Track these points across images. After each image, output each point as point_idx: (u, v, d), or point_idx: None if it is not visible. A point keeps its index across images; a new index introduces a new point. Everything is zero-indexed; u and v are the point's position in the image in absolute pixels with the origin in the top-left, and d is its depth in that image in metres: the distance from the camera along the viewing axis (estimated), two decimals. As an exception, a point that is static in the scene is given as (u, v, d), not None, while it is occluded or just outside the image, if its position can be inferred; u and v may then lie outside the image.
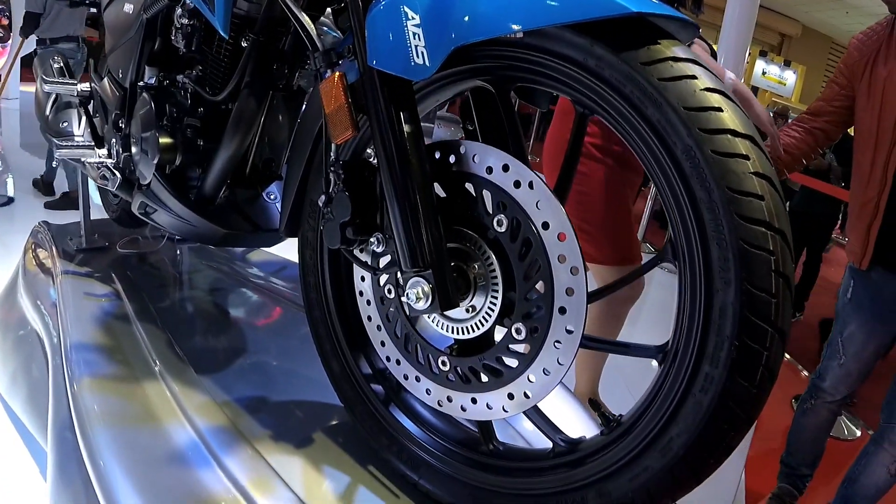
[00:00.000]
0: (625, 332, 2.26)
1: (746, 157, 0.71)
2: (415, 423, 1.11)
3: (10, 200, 4.36)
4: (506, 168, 0.87)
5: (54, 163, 4.49)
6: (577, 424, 1.32)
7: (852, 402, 3.41)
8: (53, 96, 2.10)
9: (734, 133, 0.71)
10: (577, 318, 0.83)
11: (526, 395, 0.91)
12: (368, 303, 1.10)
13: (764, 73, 15.83)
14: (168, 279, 2.02)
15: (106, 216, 2.30)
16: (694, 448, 0.77)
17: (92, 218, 2.16)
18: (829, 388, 2.19)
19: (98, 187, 2.13)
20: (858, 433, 3.15)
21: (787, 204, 4.39)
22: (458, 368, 0.98)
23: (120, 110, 1.60)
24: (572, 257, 0.83)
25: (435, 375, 1.01)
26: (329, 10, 1.00)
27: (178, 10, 1.34)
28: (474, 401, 0.97)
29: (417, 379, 1.04)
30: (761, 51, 15.69)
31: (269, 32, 1.26)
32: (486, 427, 1.03)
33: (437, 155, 0.95)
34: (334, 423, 1.25)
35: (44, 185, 4.66)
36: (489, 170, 0.89)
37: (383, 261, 1.01)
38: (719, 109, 0.72)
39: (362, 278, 1.11)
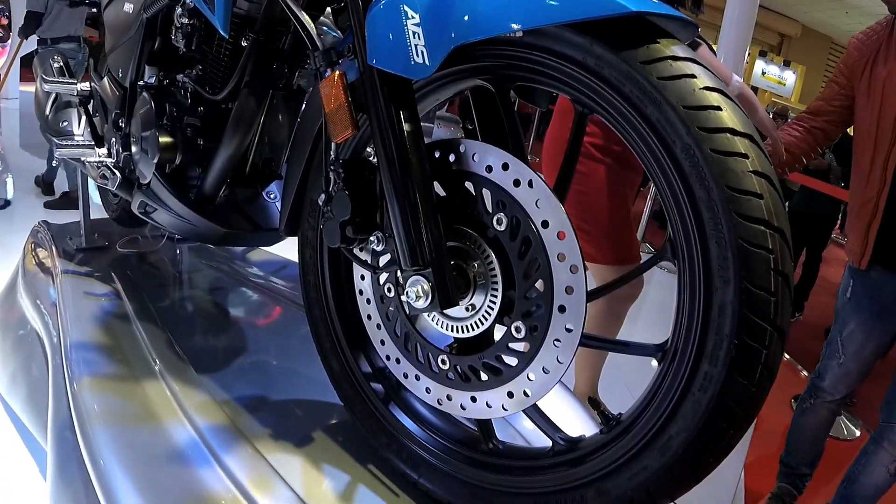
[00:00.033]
0: (624, 331, 2.26)
1: (745, 156, 0.71)
2: (414, 422, 1.11)
3: (7, 203, 4.36)
4: (505, 167, 0.88)
5: (54, 162, 4.49)
6: (577, 423, 1.32)
7: (851, 402, 3.41)
8: (53, 96, 2.10)
9: (733, 132, 0.72)
10: (577, 316, 0.83)
11: (525, 394, 0.91)
12: (368, 301, 1.10)
13: (763, 74, 15.84)
14: (168, 279, 2.02)
15: (106, 216, 2.31)
16: (693, 447, 0.77)
17: (92, 217, 2.17)
18: (829, 388, 2.19)
19: (98, 187, 2.13)
20: (858, 433, 3.16)
21: (787, 204, 4.39)
22: (458, 367, 0.98)
23: (120, 110, 1.60)
24: (572, 256, 0.83)
25: (435, 374, 1.02)
26: (329, 9, 1.00)
27: (178, 10, 1.35)
28: (474, 399, 0.97)
29: (417, 377, 1.05)
30: (761, 51, 15.70)
31: (269, 32, 1.26)
32: (485, 426, 1.03)
33: (437, 154, 0.95)
34: (334, 421, 1.25)
35: (44, 184, 4.66)
36: (489, 168, 0.89)
37: (383, 259, 1.01)
38: (718, 108, 0.72)
39: (362, 277, 1.11)
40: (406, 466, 1.09)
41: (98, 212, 2.26)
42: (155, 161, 1.39)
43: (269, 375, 1.43)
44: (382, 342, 1.09)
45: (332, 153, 0.97)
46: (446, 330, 0.98)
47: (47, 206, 4.39)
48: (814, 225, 4.68)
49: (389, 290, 1.05)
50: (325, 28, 0.99)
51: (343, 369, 1.18)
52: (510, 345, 0.91)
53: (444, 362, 1.00)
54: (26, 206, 4.44)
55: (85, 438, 1.18)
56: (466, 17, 0.79)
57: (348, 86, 0.92)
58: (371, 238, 0.97)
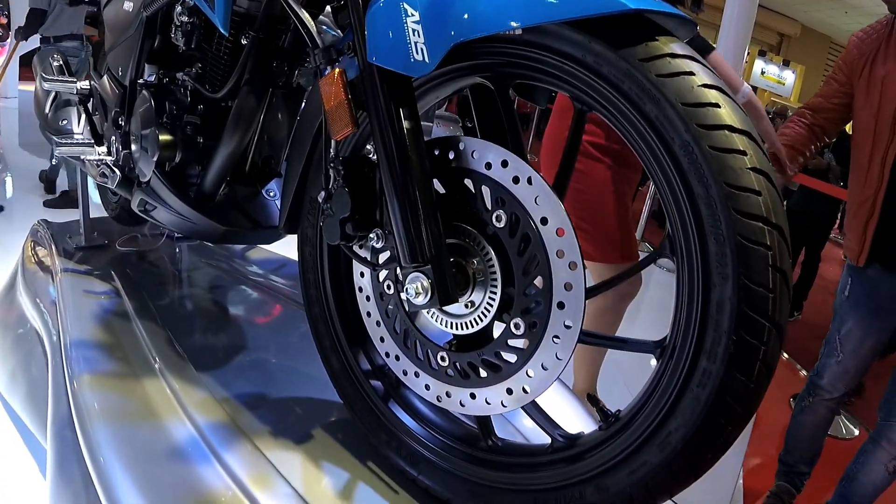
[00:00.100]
0: (623, 330, 2.26)
1: (744, 153, 0.71)
2: (414, 419, 1.11)
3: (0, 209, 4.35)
4: (504, 164, 0.88)
5: (54, 160, 4.49)
6: (576, 420, 1.33)
7: (850, 401, 3.42)
8: (53, 94, 2.10)
9: (731, 129, 0.72)
10: (576, 313, 0.83)
11: (524, 390, 0.91)
12: (368, 299, 1.10)
13: (763, 73, 15.86)
14: (167, 277, 2.03)
15: (105, 214, 2.31)
16: (692, 443, 0.77)
17: (91, 216, 2.17)
18: (827, 386, 2.20)
19: (97, 185, 2.13)
20: (857, 432, 3.16)
21: (786, 203, 4.39)
22: (457, 364, 0.98)
23: (120, 108, 1.60)
24: (571, 252, 0.83)
25: (434, 371, 1.02)
26: (329, 7, 1.01)
27: (178, 8, 1.35)
28: (473, 396, 0.97)
29: (416, 374, 1.05)
30: (760, 50, 15.72)
31: (268, 30, 1.26)
32: (484, 423, 1.03)
33: (437, 151, 0.95)
34: (333, 419, 1.25)
35: (47, 181, 4.65)
36: (488, 165, 0.89)
37: (383, 256, 1.02)
38: (717, 105, 0.72)
39: (361, 274, 1.11)
40: (405, 463, 1.09)
41: (98, 210, 2.26)
42: (155, 159, 1.39)
43: (269, 373, 1.43)
44: (382, 339, 1.10)
45: (331, 150, 0.97)
46: (445, 327, 0.99)
47: (47, 204, 4.39)
48: (813, 224, 4.69)
49: (389, 287, 1.05)
50: (324, 26, 1.00)
51: (342, 367, 1.19)
52: (509, 341, 0.92)
53: (443, 359, 1.00)
54: (26, 205, 4.44)
55: (85, 436, 1.18)
56: (466, 15, 0.80)
57: (348, 83, 0.92)
58: (371, 235, 0.97)
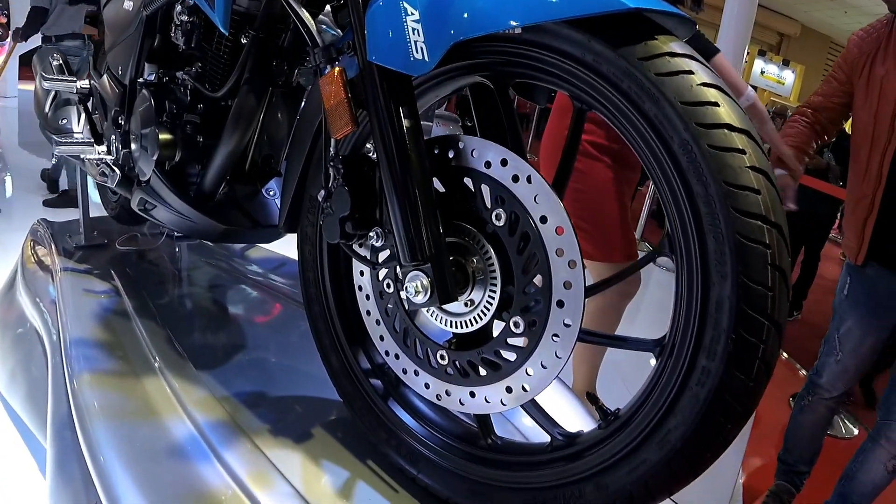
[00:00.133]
0: (623, 330, 2.26)
1: (743, 152, 0.71)
2: (413, 418, 1.11)
3: None
4: (504, 162, 0.88)
5: (54, 160, 4.49)
6: (575, 419, 1.33)
7: (849, 401, 3.42)
8: (53, 93, 2.10)
9: (731, 127, 0.72)
10: (575, 311, 0.84)
11: (524, 389, 0.91)
12: (367, 297, 1.11)
13: (763, 73, 15.87)
14: (167, 276, 2.03)
15: (105, 214, 2.31)
16: (691, 441, 0.77)
17: (91, 215, 2.17)
18: (827, 385, 2.20)
19: (97, 185, 2.13)
20: (856, 431, 3.16)
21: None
22: (457, 362, 0.98)
23: (119, 107, 1.61)
24: (570, 251, 0.83)
25: (433, 369, 1.02)
26: (328, 6, 1.01)
27: (178, 7, 1.35)
28: (473, 394, 0.97)
29: (416, 373, 1.05)
30: (760, 50, 15.73)
31: (268, 29, 1.26)
32: (484, 421, 1.03)
33: (436, 150, 0.95)
34: (333, 417, 1.25)
35: (50, 180, 4.65)
36: (487, 164, 0.90)
37: (382, 255, 1.02)
38: (716, 104, 0.72)
39: (361, 273, 1.11)
40: (405, 462, 1.09)
41: (97, 210, 2.27)
42: (154, 158, 1.39)
43: (269, 372, 1.43)
44: (381, 338, 1.10)
45: (331, 149, 0.98)
46: (445, 325, 0.99)
47: (46, 203, 4.39)
48: (812, 224, 4.69)
49: (389, 285, 1.06)
50: (324, 25, 1.00)
51: (342, 365, 1.19)
52: (509, 340, 0.92)
53: (442, 358, 1.00)
54: (25, 204, 4.44)
55: (85, 435, 1.18)
56: (465, 14, 0.80)
57: (348, 82, 0.92)
58: (370, 234, 0.97)
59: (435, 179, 0.94)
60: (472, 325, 0.95)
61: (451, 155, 0.94)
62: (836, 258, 5.95)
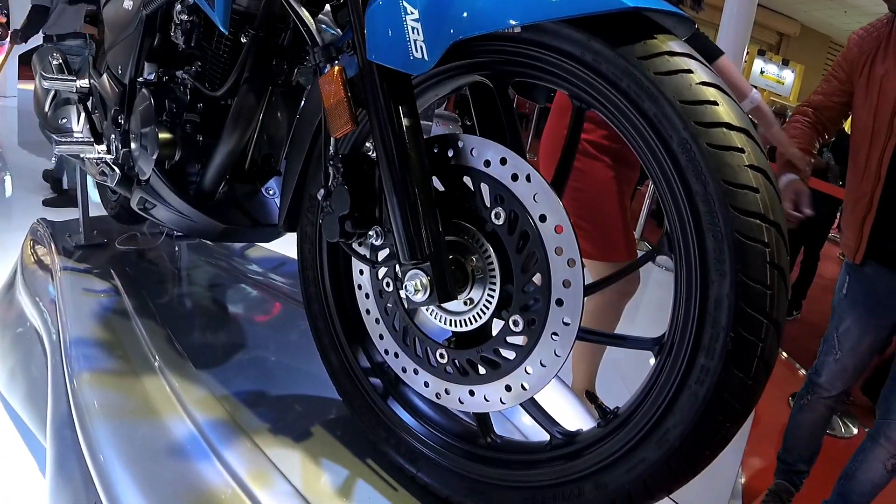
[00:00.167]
0: (622, 329, 2.27)
1: (741, 150, 0.72)
2: (413, 417, 1.11)
3: None
4: (503, 161, 0.88)
5: (53, 159, 4.48)
6: (574, 417, 1.33)
7: (848, 401, 3.42)
8: (52, 93, 2.10)
9: (729, 126, 0.72)
10: (574, 309, 0.84)
11: (523, 387, 0.92)
12: (367, 296, 1.11)
13: (762, 73, 15.87)
14: (167, 275, 2.03)
15: (104, 213, 2.31)
16: (690, 439, 0.77)
17: (91, 215, 2.17)
18: (825, 384, 2.20)
19: (97, 184, 2.13)
20: (855, 431, 3.17)
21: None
22: (456, 361, 0.98)
23: (119, 106, 1.61)
24: (569, 249, 0.83)
25: (433, 368, 1.02)
26: (328, 6, 1.01)
27: (178, 7, 1.35)
28: (472, 393, 0.97)
29: (416, 372, 1.05)
30: (760, 50, 15.73)
31: (268, 28, 1.26)
32: (483, 420, 1.03)
33: (436, 149, 0.95)
34: (333, 416, 1.26)
35: (53, 180, 4.64)
36: (487, 163, 0.90)
37: (382, 254, 1.02)
38: (715, 103, 0.73)
39: (361, 272, 1.11)
40: (404, 461, 1.09)
41: (97, 209, 2.27)
42: (154, 157, 1.39)
43: (268, 371, 1.43)
44: (381, 337, 1.10)
45: (331, 148, 0.98)
46: (444, 324, 0.99)
47: (46, 203, 4.39)
48: (812, 223, 4.67)
49: (388, 284, 1.06)
50: (324, 25, 1.00)
51: (342, 364, 1.19)
52: (508, 338, 0.92)
53: (442, 356, 1.00)
54: (25, 203, 4.44)
55: (85, 434, 1.18)
56: (465, 13, 0.80)
57: (348, 81, 0.92)
58: (370, 232, 0.97)
59: (434, 178, 0.95)
60: (471, 323, 0.95)
61: (450, 154, 0.94)
62: (836, 258, 5.96)
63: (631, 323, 2.66)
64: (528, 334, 0.89)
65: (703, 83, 0.73)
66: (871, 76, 1.95)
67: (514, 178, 0.87)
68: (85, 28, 4.49)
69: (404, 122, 0.90)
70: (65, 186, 4.57)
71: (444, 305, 0.97)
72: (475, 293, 0.94)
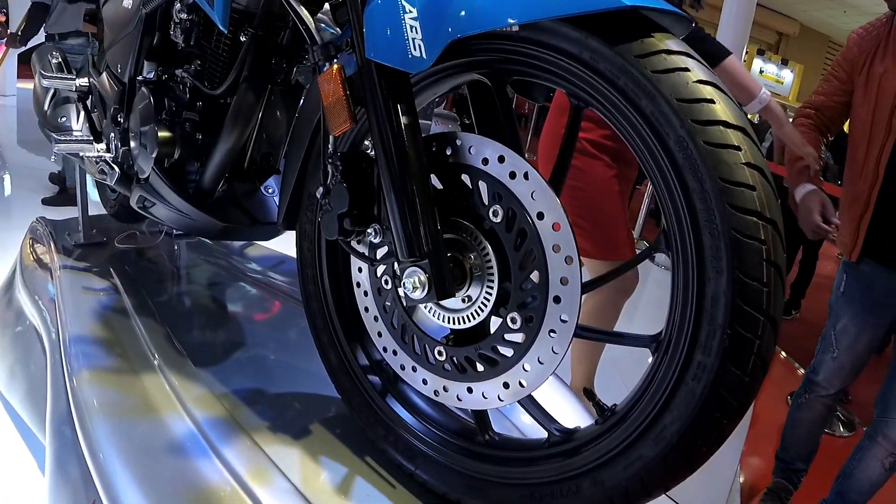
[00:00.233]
0: (621, 328, 2.27)
1: (738, 148, 0.72)
2: (411, 414, 1.12)
3: None
4: (501, 159, 0.88)
5: (53, 157, 4.46)
6: (572, 415, 1.34)
7: (847, 400, 3.43)
8: (52, 91, 2.10)
9: (726, 124, 0.72)
10: (572, 307, 0.84)
11: (521, 384, 0.92)
12: (365, 294, 1.11)
13: (761, 72, 15.86)
14: (166, 274, 2.03)
15: (104, 212, 2.31)
16: (687, 436, 0.77)
17: (90, 213, 2.17)
18: (823, 382, 2.20)
19: (96, 183, 2.13)
20: (854, 429, 3.17)
21: (783, 202, 4.38)
22: (454, 358, 0.99)
23: (119, 105, 1.61)
24: (567, 247, 0.84)
25: (431, 365, 1.02)
26: (327, 4, 1.01)
27: (177, 5, 1.35)
28: (470, 390, 0.98)
29: (414, 369, 1.05)
30: (759, 49, 15.73)
31: (267, 27, 1.27)
32: (482, 417, 1.04)
33: (434, 147, 0.96)
34: (332, 414, 1.26)
35: (60, 181, 4.63)
36: (485, 161, 0.90)
37: (380, 252, 1.02)
38: (711, 101, 0.73)
39: (360, 269, 1.12)
40: (403, 458, 1.09)
41: (96, 208, 2.27)
42: (153, 156, 1.39)
43: (267, 369, 1.43)
44: (379, 334, 1.10)
45: (330, 146, 0.98)
46: (443, 321, 0.99)
47: (45, 202, 4.39)
48: (810, 223, 4.68)
49: (387, 282, 1.06)
50: (323, 23, 1.00)
51: (340, 362, 1.19)
52: (506, 336, 0.92)
53: (440, 354, 1.01)
54: (24, 202, 4.44)
55: (84, 432, 1.18)
56: (463, 12, 0.80)
57: (346, 79, 0.93)
58: (368, 230, 0.98)
59: (433, 176, 0.95)
60: (469, 321, 0.96)
61: (448, 152, 0.94)
62: (835, 257, 5.96)
63: (630, 321, 2.66)
64: (525, 331, 0.89)
65: (700, 81, 0.74)
66: (871, 75, 1.95)
67: (512, 175, 0.87)
68: (84, 27, 4.48)
69: (403, 120, 0.90)
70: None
71: (443, 303, 0.97)
72: (473, 290, 0.94)
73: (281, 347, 1.55)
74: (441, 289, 0.90)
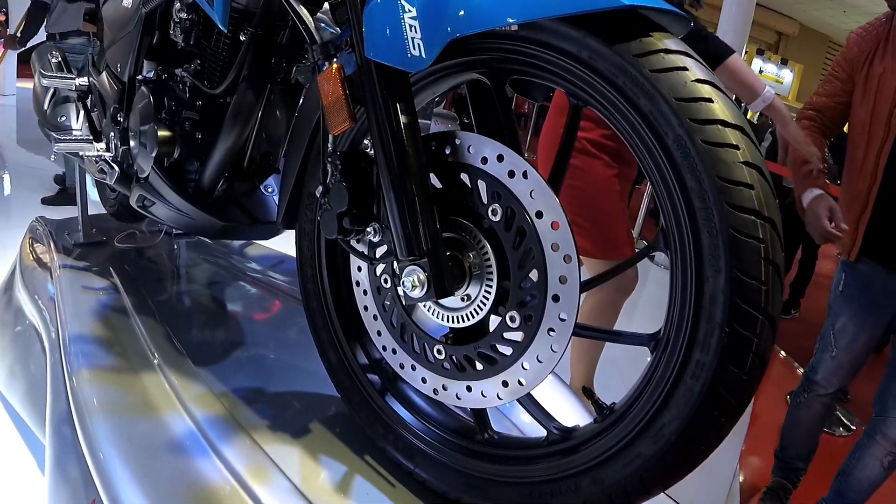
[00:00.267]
0: (620, 327, 2.27)
1: (736, 147, 0.72)
2: (410, 413, 1.12)
3: None
4: (500, 158, 0.88)
5: (53, 157, 4.46)
6: (571, 413, 1.34)
7: (846, 399, 3.43)
8: (52, 91, 2.10)
9: (724, 123, 0.73)
10: (570, 305, 0.84)
11: (520, 383, 0.92)
12: (365, 293, 1.11)
13: (761, 72, 15.86)
14: (166, 273, 2.03)
15: (103, 211, 2.31)
16: (685, 434, 0.77)
17: (89, 213, 2.17)
18: (822, 381, 2.21)
19: (95, 182, 2.13)
20: (853, 428, 3.17)
21: (784, 202, 4.39)
22: (454, 357, 0.99)
23: (118, 104, 1.61)
24: (565, 246, 0.84)
25: (430, 364, 1.03)
26: (327, 4, 1.01)
27: (177, 5, 1.35)
28: (469, 389, 0.98)
29: (413, 368, 1.06)
30: (758, 49, 15.73)
31: (267, 26, 1.27)
32: (481, 416, 1.04)
33: (433, 146, 0.96)
34: (331, 413, 1.26)
35: (62, 181, 4.63)
36: (484, 160, 0.90)
37: (380, 251, 1.02)
38: (710, 100, 0.73)
39: (359, 268, 1.12)
40: (402, 457, 1.10)
41: (96, 207, 2.27)
42: (153, 155, 1.39)
43: (267, 368, 1.44)
44: (379, 333, 1.10)
45: (329, 145, 0.98)
46: (442, 320, 0.99)
47: (45, 201, 4.39)
48: (810, 222, 4.68)
49: (386, 281, 1.06)
50: (322, 23, 1.00)
51: (340, 361, 1.19)
52: (505, 334, 0.92)
53: (439, 352, 1.01)
54: (24, 201, 4.44)
55: (84, 431, 1.18)
56: (462, 11, 0.80)
57: (346, 79, 0.93)
58: (368, 229, 0.98)
59: (432, 175, 0.95)
60: (468, 319, 0.96)
61: (447, 151, 0.94)
62: (834, 256, 5.96)
63: (629, 321, 2.66)
64: (524, 330, 0.89)
65: (699, 80, 0.74)
66: (870, 75, 1.95)
67: (511, 174, 0.88)
68: (84, 26, 4.47)
69: (402, 119, 0.91)
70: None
71: (442, 302, 0.97)
72: (472, 289, 0.94)
73: (280, 346, 1.55)
74: (440, 287, 0.90)
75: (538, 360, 0.89)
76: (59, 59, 2.10)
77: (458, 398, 1.00)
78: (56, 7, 4.34)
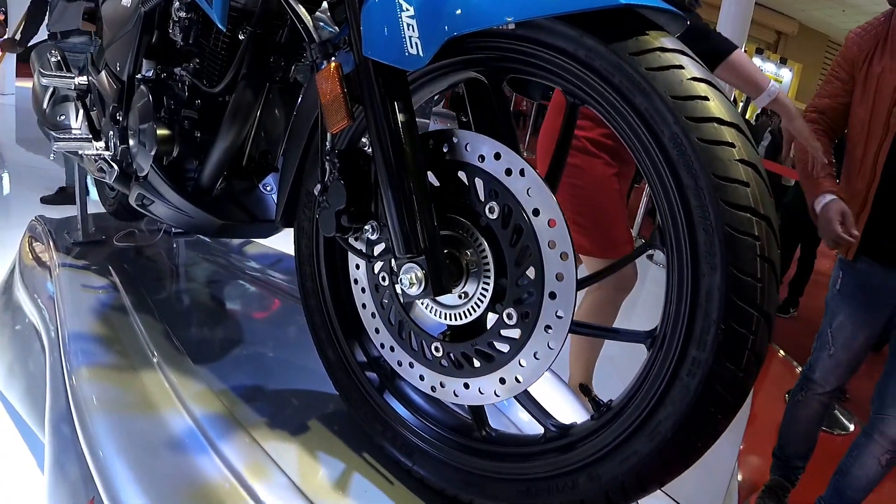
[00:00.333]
0: (619, 325, 2.27)
1: (732, 145, 0.73)
2: (408, 410, 1.12)
3: None
4: (497, 156, 0.89)
5: (51, 155, 4.45)
6: (569, 410, 1.34)
7: (845, 398, 3.44)
8: (51, 90, 2.11)
9: (720, 121, 0.73)
10: (567, 303, 0.85)
11: (517, 380, 0.92)
12: (363, 291, 1.12)
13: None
14: (165, 272, 2.03)
15: (103, 210, 2.32)
16: (682, 431, 0.78)
17: (89, 212, 2.17)
18: (820, 380, 2.21)
19: (95, 181, 2.14)
20: (851, 427, 3.18)
21: (782, 201, 4.39)
22: (451, 354, 0.99)
23: (118, 103, 1.61)
24: (562, 243, 0.84)
25: (428, 361, 1.03)
26: (325, 3, 1.02)
27: (176, 4, 1.36)
28: (466, 386, 0.98)
29: (411, 365, 1.06)
30: (758, 48, 15.73)
31: (266, 25, 1.27)
32: (478, 413, 1.04)
33: (431, 144, 0.96)
34: (329, 410, 1.26)
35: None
36: (481, 158, 0.91)
37: (378, 248, 1.03)
38: (706, 98, 0.74)
39: (357, 266, 1.12)
40: (400, 454, 1.10)
41: (95, 206, 2.27)
42: (152, 153, 1.40)
43: (266, 366, 1.44)
44: (377, 331, 1.11)
45: (327, 143, 0.99)
46: (439, 318, 1.00)
47: (44, 200, 4.39)
48: (809, 221, 4.68)
49: (384, 278, 1.07)
50: (321, 22, 1.01)
51: (338, 358, 1.20)
52: (502, 331, 0.93)
53: (437, 350, 1.01)
54: (23, 201, 4.44)
55: (83, 429, 1.18)
56: (459, 10, 0.81)
57: (344, 77, 0.93)
58: (366, 227, 0.98)
59: (429, 173, 0.95)
60: (465, 317, 0.96)
61: (445, 149, 0.95)
62: (833, 255, 5.96)
63: (628, 319, 2.67)
64: (521, 327, 0.90)
65: (694, 79, 0.74)
66: (869, 74, 1.95)
67: (508, 172, 0.88)
68: (83, 25, 4.46)
69: (400, 117, 0.91)
70: (62, 184, 4.57)
71: (439, 299, 0.98)
72: (470, 287, 0.95)
73: (279, 344, 1.55)
74: (438, 285, 0.90)
75: (535, 357, 0.89)
76: (59, 58, 2.10)
77: (456, 395, 1.00)
78: (57, 6, 4.33)
